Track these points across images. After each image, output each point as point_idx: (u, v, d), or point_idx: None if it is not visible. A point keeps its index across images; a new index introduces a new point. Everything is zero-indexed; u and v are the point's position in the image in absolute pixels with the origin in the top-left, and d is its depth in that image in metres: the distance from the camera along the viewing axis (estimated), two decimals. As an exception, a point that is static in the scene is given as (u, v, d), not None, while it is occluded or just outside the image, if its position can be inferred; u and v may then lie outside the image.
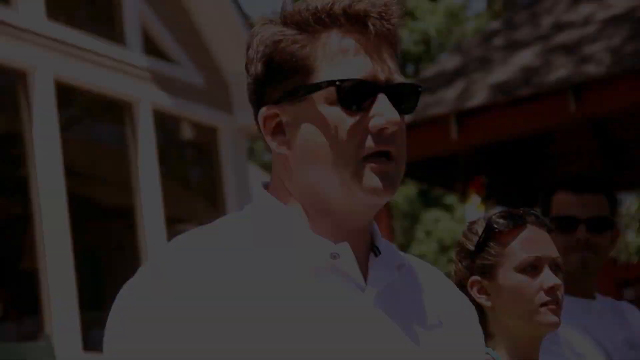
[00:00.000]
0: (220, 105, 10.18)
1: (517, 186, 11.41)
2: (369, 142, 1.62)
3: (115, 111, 9.34)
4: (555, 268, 2.52)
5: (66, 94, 8.79)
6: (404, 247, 24.11)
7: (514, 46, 10.34)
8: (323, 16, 1.64)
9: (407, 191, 25.81)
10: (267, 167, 29.34)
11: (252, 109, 1.72)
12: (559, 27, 10.34)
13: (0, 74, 8.41)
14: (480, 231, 2.54)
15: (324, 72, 1.63)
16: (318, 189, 1.64)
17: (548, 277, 2.48)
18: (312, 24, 1.64)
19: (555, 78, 9.33)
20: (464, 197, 10.75)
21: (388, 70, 1.65)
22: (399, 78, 1.66)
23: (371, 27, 1.64)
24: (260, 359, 1.54)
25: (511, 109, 9.55)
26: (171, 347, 1.55)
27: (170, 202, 9.53)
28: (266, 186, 1.73)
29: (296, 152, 1.65)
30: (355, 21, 1.65)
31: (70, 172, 8.57)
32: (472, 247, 2.54)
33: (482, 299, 2.53)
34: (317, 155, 1.63)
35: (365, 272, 1.67)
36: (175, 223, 9.78)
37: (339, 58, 1.63)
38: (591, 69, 9.23)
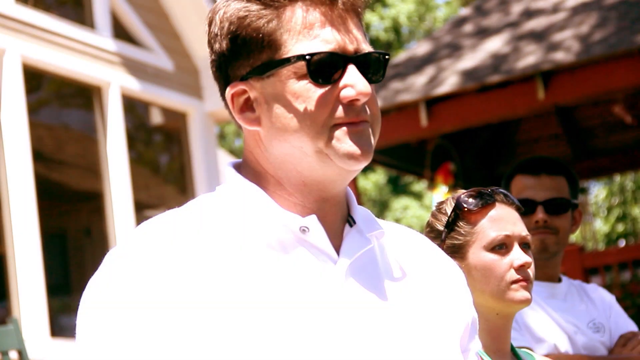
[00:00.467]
0: (190, 90, 10.15)
1: (485, 173, 11.45)
2: (340, 113, 1.62)
3: (84, 95, 9.29)
4: (525, 246, 2.52)
5: (34, 77, 8.73)
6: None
7: (483, 33, 10.37)
8: None
9: (377, 178, 25.84)
10: (236, 152, 29.29)
11: (218, 89, 1.70)
12: (528, 14, 10.37)
13: (-32, 57, 8.35)
14: (449, 211, 2.53)
15: (292, 46, 1.62)
16: (292, 161, 1.64)
17: (518, 255, 2.49)
18: None
19: (524, 65, 9.37)
20: (432, 184, 10.77)
21: (356, 40, 1.64)
22: (367, 47, 1.65)
23: None
24: (232, 336, 1.54)
25: (480, 95, 9.59)
26: (142, 339, 1.54)
27: (139, 187, 9.50)
28: (238, 165, 1.73)
29: (268, 127, 1.64)
30: None
31: (38, 156, 8.53)
32: (441, 227, 2.53)
33: None
34: (289, 129, 1.62)
35: (340, 243, 1.66)
36: (144, 208, 9.75)
37: (306, 31, 1.62)
38: (560, 56, 9.27)
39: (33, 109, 8.67)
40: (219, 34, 1.66)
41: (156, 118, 10.33)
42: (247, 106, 1.67)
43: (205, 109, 10.21)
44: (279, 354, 1.54)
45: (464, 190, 2.54)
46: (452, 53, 10.20)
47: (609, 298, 3.38)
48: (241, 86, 1.66)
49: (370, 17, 27.56)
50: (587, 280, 8.51)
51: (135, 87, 9.53)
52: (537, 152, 11.19)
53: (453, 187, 10.50)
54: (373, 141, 1.64)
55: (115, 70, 9.36)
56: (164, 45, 9.97)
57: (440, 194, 10.41)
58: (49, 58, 8.68)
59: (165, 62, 9.95)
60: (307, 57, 1.60)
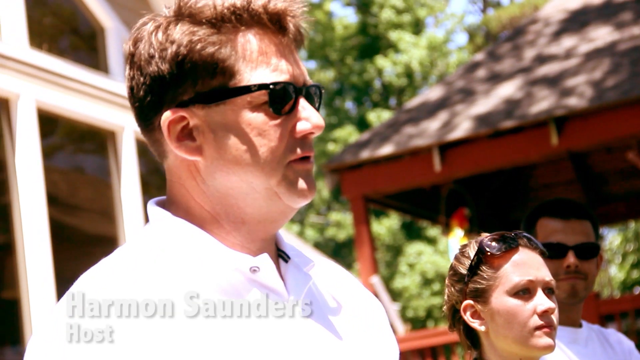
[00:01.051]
0: (203, 135, 10.19)
1: (500, 218, 11.44)
2: (294, 148, 1.56)
3: (98, 140, 9.35)
4: (549, 291, 2.50)
5: (49, 122, 8.79)
6: (387, 280, 24.07)
7: (496, 78, 10.41)
8: (243, 14, 1.56)
9: (390, 223, 25.80)
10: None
11: (139, 114, 1.60)
12: (541, 59, 10.42)
13: (-17, 102, 8.42)
14: (472, 254, 2.51)
15: (248, 74, 1.55)
16: (236, 196, 1.56)
17: (542, 301, 2.47)
18: (231, 21, 1.56)
19: (537, 110, 9.40)
20: (447, 229, 10.76)
21: (302, 72, 1.60)
22: (310, 79, 1.62)
23: (290, 26, 1.59)
24: None
25: (494, 141, 9.61)
26: None
27: (153, 231, 9.51)
28: (162, 203, 1.62)
29: (213, 158, 1.55)
30: (275, 20, 1.57)
31: (53, 201, 8.57)
32: (464, 271, 2.51)
33: (475, 324, 2.51)
34: (241, 162, 1.54)
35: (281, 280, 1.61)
36: (157, 253, 9.75)
37: (262, 60, 1.56)
38: (573, 102, 9.30)
39: (47, 154, 8.72)
40: (156, 56, 1.55)
41: (170, 163, 10.37)
42: (185, 134, 1.56)
43: (218, 153, 10.24)
44: None
45: (487, 234, 2.52)
46: (466, 98, 10.24)
47: (629, 344, 3.36)
48: (181, 113, 1.55)
49: (382, 62, 27.65)
50: (603, 327, 8.46)
51: (149, 132, 9.57)
52: (550, 196, 11.19)
53: (468, 232, 10.49)
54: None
55: (129, 114, 9.41)
56: (178, 90, 10.03)
57: (456, 239, 10.40)
58: (64, 103, 8.75)
59: (179, 107, 10.00)
60: (271, 86, 1.54)
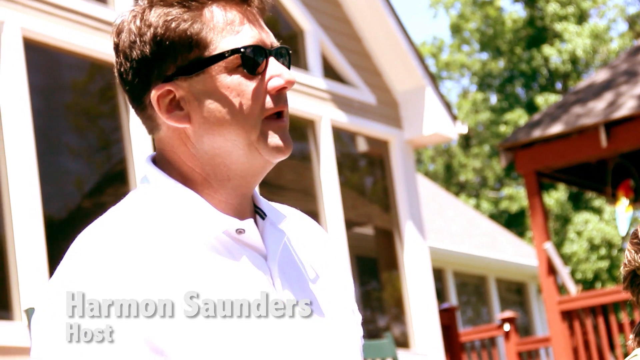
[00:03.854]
0: (390, 121, 10.14)
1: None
2: (269, 103, 1.55)
3: (300, 128, 9.43)
4: None
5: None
6: (558, 246, 23.53)
7: (658, 60, 9.95)
8: None
9: (558, 195, 25.20)
10: (429, 175, 29.13)
11: (129, 96, 1.59)
12: (701, 41, 9.88)
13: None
14: None
15: (219, 43, 1.54)
16: (222, 154, 1.55)
17: None
18: (195, 0, 1.55)
19: (698, 88, 8.92)
20: (613, 199, 10.42)
21: (269, 36, 1.58)
22: (277, 42, 1.60)
23: None
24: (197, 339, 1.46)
25: (657, 117, 9.21)
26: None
27: (348, 207, 9.54)
28: (154, 160, 1.60)
29: (199, 124, 1.54)
30: None
31: (262, 183, 8.69)
32: None
33: None
34: (224, 122, 1.53)
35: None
36: (353, 225, 9.79)
37: (228, 28, 1.55)
38: None
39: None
40: (137, 40, 1.55)
41: (362, 146, 10.37)
42: (173, 106, 1.55)
43: (404, 137, 10.18)
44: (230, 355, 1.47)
45: None
46: (629, 79, 9.84)
47: None
48: (167, 87, 1.55)
49: (549, 51, 26.97)
50: None
51: (343, 119, 9.60)
52: None
53: (633, 201, 10.13)
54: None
55: (326, 105, 9.45)
56: (367, 82, 10.00)
57: (622, 208, 10.06)
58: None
59: (368, 96, 9.98)
60: (242, 50, 1.53)
